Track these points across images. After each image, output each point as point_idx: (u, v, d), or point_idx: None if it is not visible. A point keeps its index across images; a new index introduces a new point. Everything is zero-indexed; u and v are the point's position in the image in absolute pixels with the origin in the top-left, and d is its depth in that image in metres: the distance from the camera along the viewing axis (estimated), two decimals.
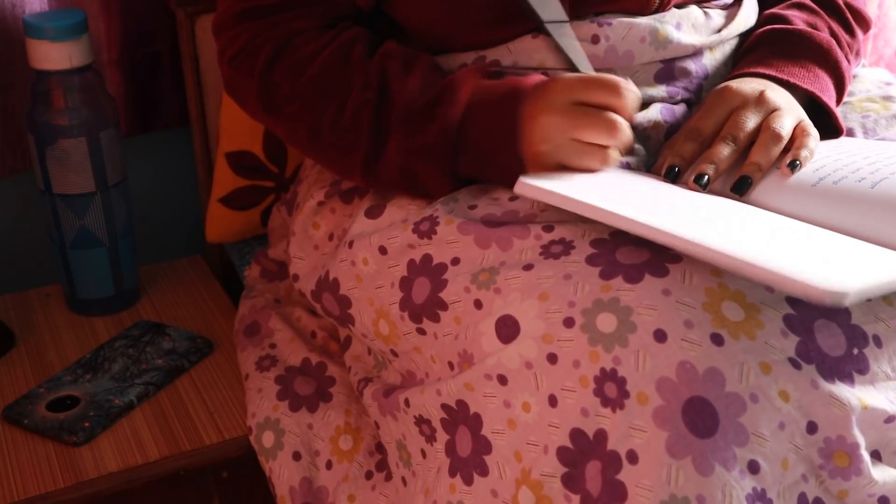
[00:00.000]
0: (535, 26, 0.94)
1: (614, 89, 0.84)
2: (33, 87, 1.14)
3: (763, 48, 0.99)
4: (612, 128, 0.84)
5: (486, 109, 0.88)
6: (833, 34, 1.02)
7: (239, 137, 1.25)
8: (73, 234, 1.18)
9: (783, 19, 1.02)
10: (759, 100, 0.89)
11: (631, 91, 0.85)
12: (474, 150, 0.88)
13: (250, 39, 0.97)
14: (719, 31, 1.00)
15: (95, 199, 1.17)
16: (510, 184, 0.83)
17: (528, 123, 0.86)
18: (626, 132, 0.84)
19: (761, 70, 0.96)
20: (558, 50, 0.93)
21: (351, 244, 0.92)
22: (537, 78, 0.89)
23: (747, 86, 0.91)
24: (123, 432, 1.04)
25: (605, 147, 0.85)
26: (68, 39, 1.10)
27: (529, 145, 0.86)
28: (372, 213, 0.93)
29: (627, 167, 0.92)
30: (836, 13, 1.05)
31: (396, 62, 0.92)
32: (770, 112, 0.89)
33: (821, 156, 0.88)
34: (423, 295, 0.85)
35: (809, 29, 1.00)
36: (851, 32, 1.05)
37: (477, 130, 0.88)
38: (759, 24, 1.05)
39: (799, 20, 1.02)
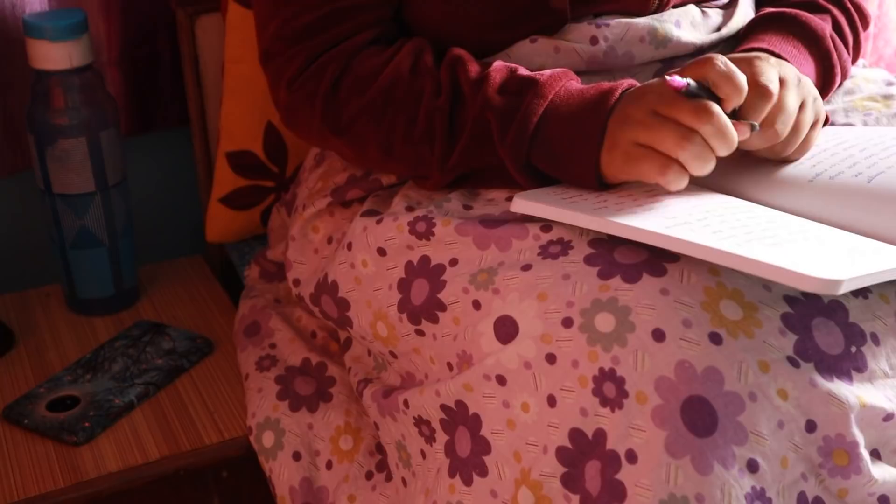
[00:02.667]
0: (536, 29, 0.94)
1: (701, 114, 0.78)
2: (33, 87, 1.14)
3: (761, 27, 0.99)
4: (680, 137, 0.77)
5: (570, 109, 0.85)
6: (839, 29, 1.02)
7: (239, 137, 1.25)
8: (73, 234, 1.18)
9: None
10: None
11: (719, 122, 0.78)
12: (549, 147, 0.85)
13: (309, 60, 0.93)
14: (718, 30, 1.00)
15: (95, 199, 1.17)
16: (581, 184, 0.83)
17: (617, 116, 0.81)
18: (695, 146, 0.77)
19: (755, 45, 0.95)
20: (557, 52, 0.93)
21: (349, 246, 0.92)
22: (628, 83, 0.85)
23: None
24: (123, 432, 1.04)
25: (669, 158, 0.79)
26: (68, 39, 1.10)
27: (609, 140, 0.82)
28: (369, 214, 0.93)
29: None
30: (842, 9, 1.05)
31: (468, 65, 0.90)
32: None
33: (818, 150, 0.88)
34: (422, 296, 0.85)
35: (806, 14, 1.00)
36: (853, 27, 1.05)
37: (556, 129, 0.85)
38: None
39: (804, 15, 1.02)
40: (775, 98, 0.82)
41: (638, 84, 0.84)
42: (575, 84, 0.87)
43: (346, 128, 0.93)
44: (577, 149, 0.83)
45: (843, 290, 0.66)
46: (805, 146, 0.87)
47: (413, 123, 0.90)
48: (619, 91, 0.83)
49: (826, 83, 0.99)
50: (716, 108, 0.78)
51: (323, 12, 0.93)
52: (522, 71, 0.89)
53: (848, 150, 0.88)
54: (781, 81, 0.84)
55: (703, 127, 0.77)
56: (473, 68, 0.89)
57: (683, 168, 0.79)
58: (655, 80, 0.83)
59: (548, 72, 0.88)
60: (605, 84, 0.85)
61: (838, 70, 1.00)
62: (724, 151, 0.79)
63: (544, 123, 0.85)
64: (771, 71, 0.83)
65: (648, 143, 0.79)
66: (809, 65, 0.97)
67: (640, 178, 0.81)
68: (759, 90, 0.81)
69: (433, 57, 0.92)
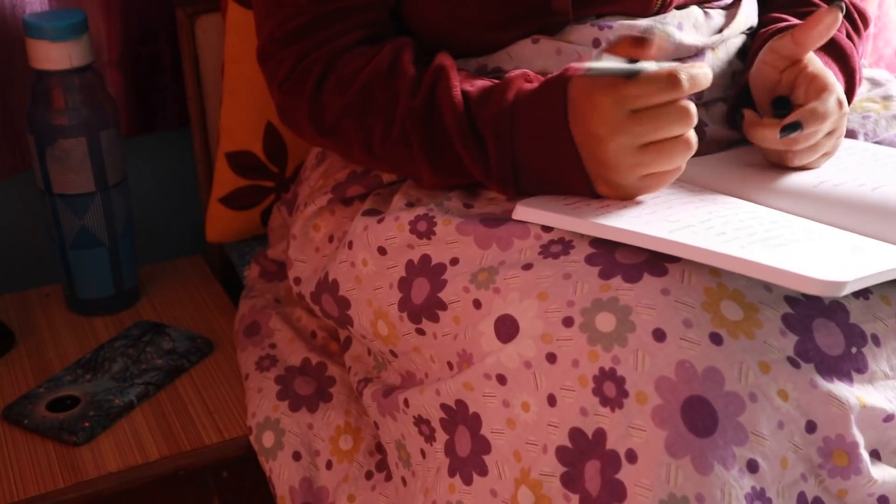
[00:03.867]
0: (537, 29, 0.94)
1: (670, 84, 0.78)
2: (33, 87, 1.14)
3: None
4: (684, 116, 0.79)
5: (534, 112, 0.85)
6: (848, 36, 1.02)
7: (239, 137, 1.25)
8: (73, 234, 1.18)
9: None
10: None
11: (689, 76, 0.79)
12: (536, 178, 0.86)
13: (298, 61, 0.94)
14: (720, 31, 1.00)
15: (95, 199, 1.17)
16: (574, 181, 0.83)
17: (592, 143, 0.81)
18: (693, 113, 0.79)
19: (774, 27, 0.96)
20: (559, 54, 0.93)
21: (350, 245, 0.92)
22: (574, 70, 0.84)
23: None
24: (123, 432, 1.04)
25: (681, 135, 0.80)
26: (68, 39, 1.10)
27: (602, 180, 0.83)
28: (370, 213, 0.93)
29: None
30: (847, 16, 1.05)
31: (450, 71, 0.90)
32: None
33: (822, 172, 0.89)
34: (423, 295, 0.85)
35: (837, 32, 1.00)
36: (859, 33, 1.05)
37: (537, 165, 0.85)
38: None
39: None
40: (827, 128, 0.87)
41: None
42: (530, 102, 0.86)
43: (331, 128, 0.94)
44: (566, 183, 0.84)
45: (847, 291, 0.66)
46: (824, 159, 0.90)
47: (391, 123, 0.90)
48: (565, 109, 0.83)
49: (848, 97, 1.00)
50: (679, 72, 0.79)
51: (315, 14, 0.93)
52: (484, 107, 0.88)
53: (853, 171, 0.89)
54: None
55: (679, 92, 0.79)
56: (454, 86, 0.89)
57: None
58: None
59: (505, 102, 0.86)
60: (551, 110, 0.84)
61: (859, 86, 1.01)
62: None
63: (522, 162, 0.85)
64: (833, 102, 0.87)
65: (654, 169, 0.81)
66: (839, 80, 0.97)
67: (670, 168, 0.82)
68: (817, 116, 0.86)
69: (413, 55, 0.92)
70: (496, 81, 0.89)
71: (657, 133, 0.79)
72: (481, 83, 0.89)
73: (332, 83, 0.93)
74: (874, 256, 0.73)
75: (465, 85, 0.89)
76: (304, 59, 0.94)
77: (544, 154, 0.84)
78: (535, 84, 0.86)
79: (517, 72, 0.88)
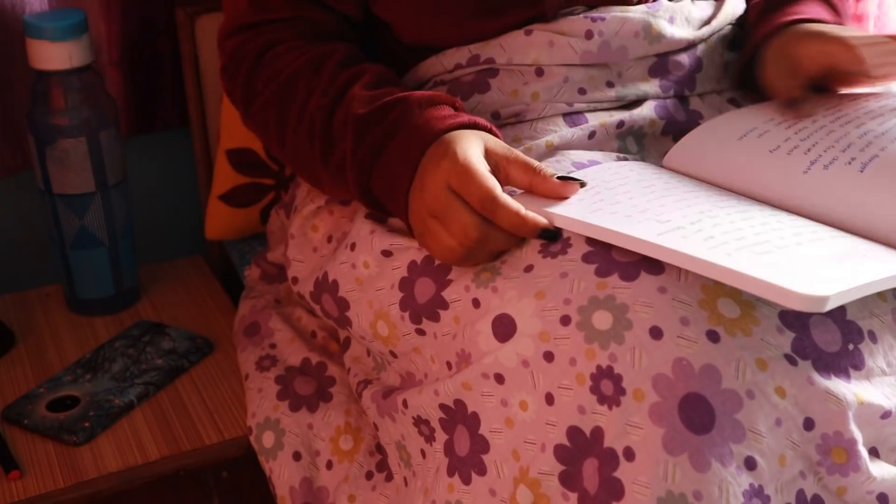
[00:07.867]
0: (523, 20, 0.94)
1: (487, 200, 0.78)
2: (33, 87, 1.14)
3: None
4: (459, 234, 0.79)
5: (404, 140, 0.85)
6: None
7: (240, 135, 1.25)
8: (73, 234, 1.18)
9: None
10: None
11: (507, 213, 0.78)
12: (384, 171, 0.86)
13: (235, 50, 0.99)
14: (708, 21, 1.00)
15: (95, 199, 1.17)
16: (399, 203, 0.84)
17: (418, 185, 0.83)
18: (470, 241, 0.79)
19: (789, 19, 0.98)
20: (551, 46, 0.94)
21: (353, 246, 0.92)
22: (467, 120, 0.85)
23: None
24: (123, 432, 1.04)
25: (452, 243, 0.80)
26: (68, 39, 1.11)
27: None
28: (373, 217, 0.93)
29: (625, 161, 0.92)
30: None
31: (368, 75, 0.92)
32: None
33: (815, 126, 0.88)
34: (427, 294, 0.85)
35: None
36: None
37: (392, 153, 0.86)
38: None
39: None
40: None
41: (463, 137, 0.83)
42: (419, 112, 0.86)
43: (255, 115, 0.99)
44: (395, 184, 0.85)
45: (830, 306, 0.65)
46: None
47: (302, 117, 0.93)
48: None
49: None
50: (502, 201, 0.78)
51: (256, 19, 0.99)
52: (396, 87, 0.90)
53: (844, 126, 0.87)
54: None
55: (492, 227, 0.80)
56: (366, 79, 0.91)
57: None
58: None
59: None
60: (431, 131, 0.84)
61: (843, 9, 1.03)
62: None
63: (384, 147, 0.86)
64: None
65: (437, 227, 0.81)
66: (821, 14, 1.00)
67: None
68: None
69: (342, 57, 0.94)
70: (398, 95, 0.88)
71: (438, 218, 0.81)
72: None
73: (263, 73, 0.97)
74: (864, 265, 0.72)
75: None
76: (241, 49, 0.99)
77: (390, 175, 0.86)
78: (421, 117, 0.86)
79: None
